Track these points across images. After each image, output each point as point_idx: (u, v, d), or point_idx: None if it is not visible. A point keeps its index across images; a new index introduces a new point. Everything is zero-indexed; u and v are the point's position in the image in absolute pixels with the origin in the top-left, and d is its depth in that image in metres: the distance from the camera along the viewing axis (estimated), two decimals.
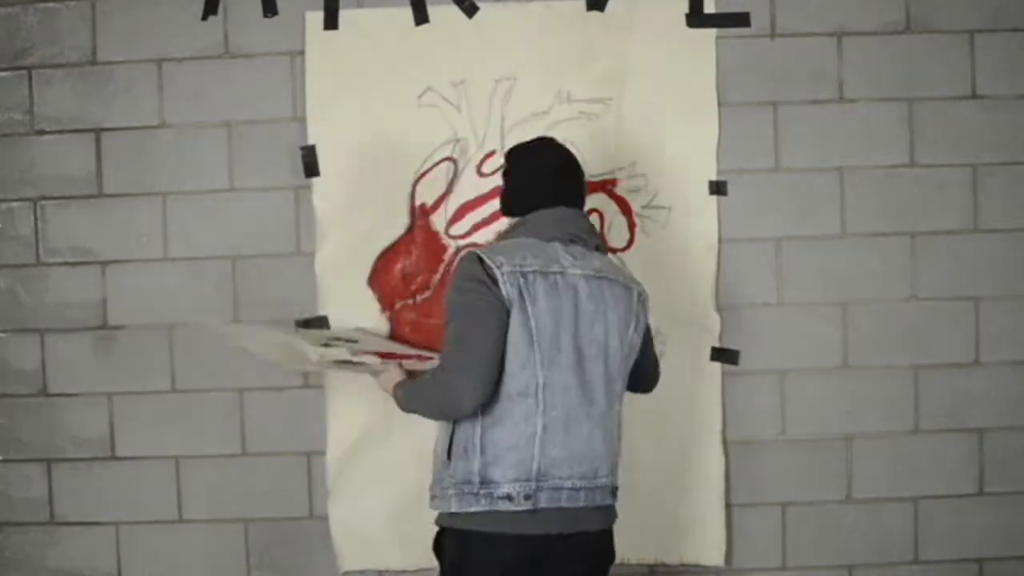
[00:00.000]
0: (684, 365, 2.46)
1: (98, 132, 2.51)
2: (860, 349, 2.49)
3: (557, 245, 1.96)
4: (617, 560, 2.44)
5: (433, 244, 2.47)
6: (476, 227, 2.47)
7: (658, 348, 2.44)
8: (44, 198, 2.52)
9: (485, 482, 1.87)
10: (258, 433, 2.51)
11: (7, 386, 2.53)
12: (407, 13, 2.46)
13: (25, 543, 2.53)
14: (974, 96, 2.49)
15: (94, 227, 2.51)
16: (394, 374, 2.11)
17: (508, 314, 1.86)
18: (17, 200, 2.52)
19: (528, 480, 1.87)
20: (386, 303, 2.46)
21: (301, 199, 2.49)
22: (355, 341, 2.28)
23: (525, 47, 2.46)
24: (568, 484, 1.90)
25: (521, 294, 1.87)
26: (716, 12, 2.45)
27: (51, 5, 2.51)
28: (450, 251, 2.46)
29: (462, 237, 2.47)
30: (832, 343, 2.49)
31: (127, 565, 2.53)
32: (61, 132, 2.51)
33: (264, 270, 2.49)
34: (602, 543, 2.01)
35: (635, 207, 2.46)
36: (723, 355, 2.47)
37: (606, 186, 2.47)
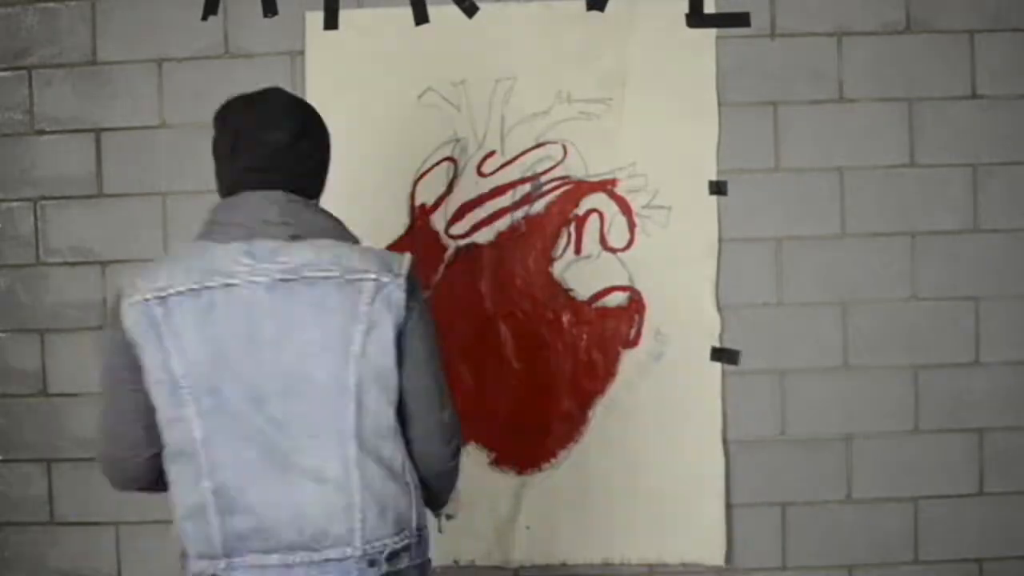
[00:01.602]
0: (684, 365, 2.46)
1: (98, 132, 2.51)
2: (860, 349, 2.49)
3: (236, 246, 1.50)
4: (617, 560, 2.47)
5: (433, 244, 2.47)
6: (476, 227, 2.47)
7: (658, 348, 2.46)
8: (44, 198, 2.52)
9: (183, 555, 1.54)
10: None
11: (7, 386, 2.52)
12: (407, 13, 2.46)
13: (25, 543, 2.53)
14: (974, 96, 2.48)
15: (94, 227, 2.51)
16: None
17: (138, 356, 1.47)
18: (17, 200, 2.52)
19: (215, 557, 1.49)
20: None
21: None
22: None
23: (525, 47, 2.46)
24: (274, 560, 1.47)
25: (155, 328, 1.45)
26: (716, 12, 2.45)
27: (51, 5, 2.51)
28: (450, 251, 2.46)
29: (462, 237, 2.47)
30: (832, 343, 2.49)
31: (127, 565, 2.52)
32: (61, 132, 2.51)
33: None
34: None
35: (635, 207, 2.46)
36: (723, 355, 2.47)
37: (606, 186, 2.47)
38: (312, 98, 2.46)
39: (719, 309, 2.47)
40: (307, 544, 1.48)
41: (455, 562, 2.45)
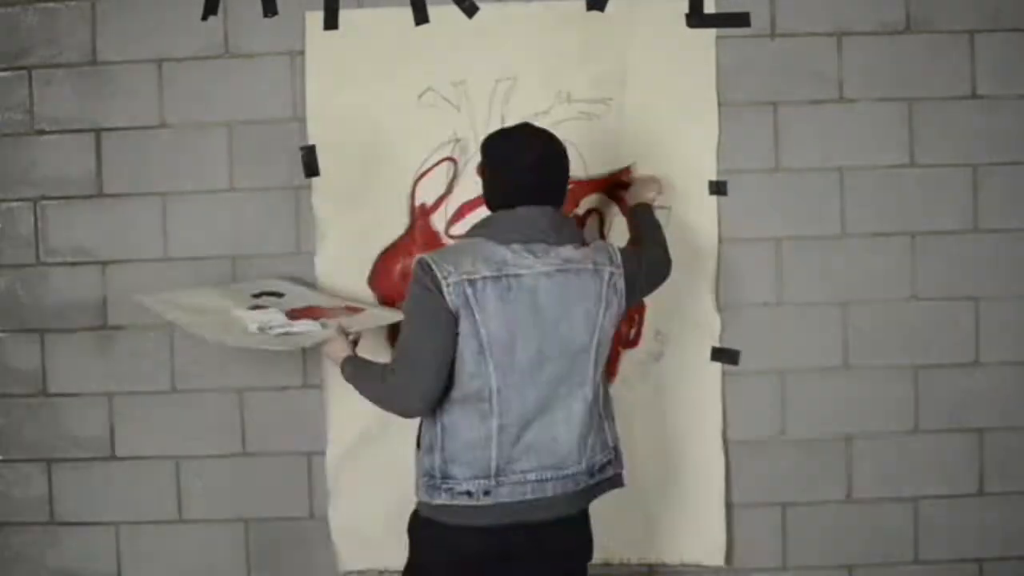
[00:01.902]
0: (684, 365, 2.46)
1: (98, 132, 2.51)
2: (860, 349, 2.49)
3: (516, 246, 1.93)
4: (617, 560, 2.47)
5: (433, 244, 2.47)
6: None
7: (658, 348, 2.47)
8: (44, 198, 2.52)
9: (446, 477, 1.93)
10: (258, 433, 2.51)
11: (7, 386, 2.53)
12: (407, 13, 2.46)
13: (25, 543, 2.53)
14: (974, 96, 2.49)
15: (94, 227, 2.51)
16: (339, 345, 2.10)
17: (456, 321, 1.88)
18: (17, 200, 2.52)
19: (487, 477, 1.91)
20: (386, 303, 2.46)
21: (301, 199, 2.49)
22: (281, 295, 2.31)
23: (525, 47, 2.46)
24: (532, 476, 1.93)
25: (468, 303, 1.87)
26: (716, 12, 2.45)
27: (51, 5, 2.51)
28: None
29: (462, 237, 2.46)
30: (832, 343, 2.49)
31: (127, 565, 2.53)
32: (61, 132, 2.51)
33: (264, 270, 2.49)
34: (574, 532, 2.03)
35: None
36: (723, 355, 2.47)
37: (606, 186, 2.46)
38: (312, 98, 2.47)
39: (719, 309, 2.47)
40: (555, 465, 1.94)
41: None
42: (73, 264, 2.52)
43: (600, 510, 2.44)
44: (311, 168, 2.47)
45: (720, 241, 2.46)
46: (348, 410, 2.46)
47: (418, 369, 1.89)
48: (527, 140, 2.00)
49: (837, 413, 2.49)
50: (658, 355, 2.47)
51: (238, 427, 2.51)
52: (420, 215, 2.47)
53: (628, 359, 2.47)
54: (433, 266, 1.89)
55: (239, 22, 2.49)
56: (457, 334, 1.88)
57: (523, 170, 1.96)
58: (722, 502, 2.47)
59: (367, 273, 2.47)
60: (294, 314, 2.21)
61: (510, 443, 1.91)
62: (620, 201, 2.46)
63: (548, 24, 2.46)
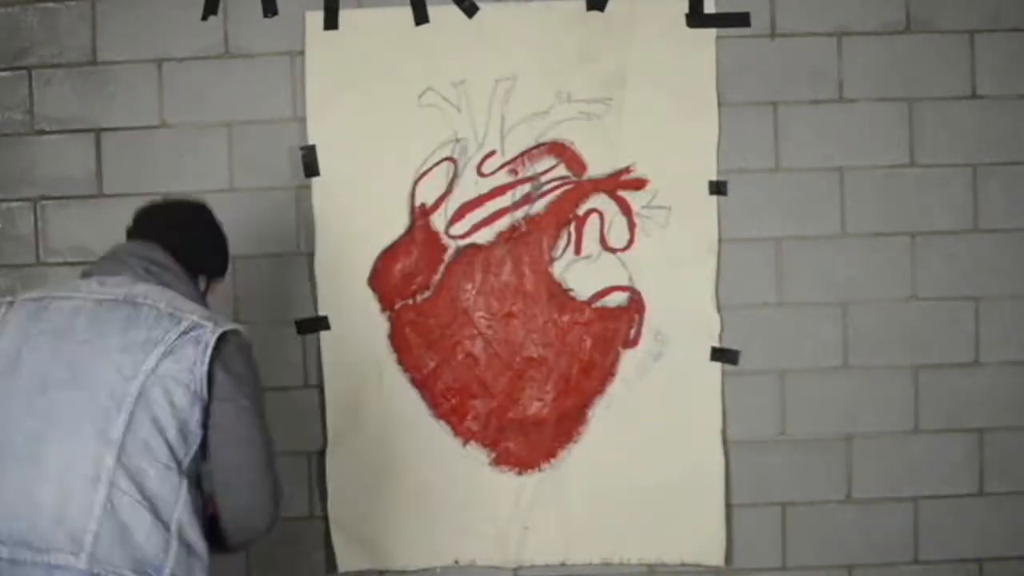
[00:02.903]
0: (684, 365, 2.46)
1: (98, 132, 2.51)
2: (860, 349, 2.49)
3: (91, 279, 1.71)
4: (617, 560, 2.47)
5: (433, 244, 2.47)
6: (476, 227, 2.47)
7: (658, 348, 2.46)
8: (44, 198, 2.52)
9: None
10: None
11: None
12: (407, 13, 2.46)
13: None
14: (974, 96, 2.49)
15: (94, 227, 2.51)
16: None
17: None
18: (17, 200, 2.52)
19: None
20: (386, 303, 2.47)
21: (301, 199, 2.49)
22: None
23: (525, 47, 2.46)
24: (4, 553, 1.45)
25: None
26: (716, 12, 2.45)
27: (51, 5, 2.51)
28: (450, 251, 2.46)
29: (462, 237, 2.47)
30: (832, 343, 2.49)
31: None
32: (61, 132, 2.51)
33: (264, 270, 2.49)
34: None
35: (635, 207, 2.46)
36: (723, 355, 2.47)
37: (606, 186, 2.47)
38: (312, 98, 2.47)
39: (719, 309, 2.47)
40: (35, 543, 1.44)
41: (455, 562, 2.46)
42: (73, 264, 2.51)
43: (600, 510, 2.45)
44: (311, 168, 2.47)
45: (720, 241, 2.46)
46: (348, 410, 2.46)
47: None
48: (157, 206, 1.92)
49: (837, 413, 2.49)
50: (658, 355, 2.46)
51: None
52: (420, 215, 2.47)
53: (628, 359, 2.46)
54: None
55: (239, 22, 2.49)
56: None
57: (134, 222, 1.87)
58: (722, 502, 2.46)
59: (367, 273, 2.47)
60: None
61: None
62: (620, 201, 2.46)
63: (548, 24, 2.46)
